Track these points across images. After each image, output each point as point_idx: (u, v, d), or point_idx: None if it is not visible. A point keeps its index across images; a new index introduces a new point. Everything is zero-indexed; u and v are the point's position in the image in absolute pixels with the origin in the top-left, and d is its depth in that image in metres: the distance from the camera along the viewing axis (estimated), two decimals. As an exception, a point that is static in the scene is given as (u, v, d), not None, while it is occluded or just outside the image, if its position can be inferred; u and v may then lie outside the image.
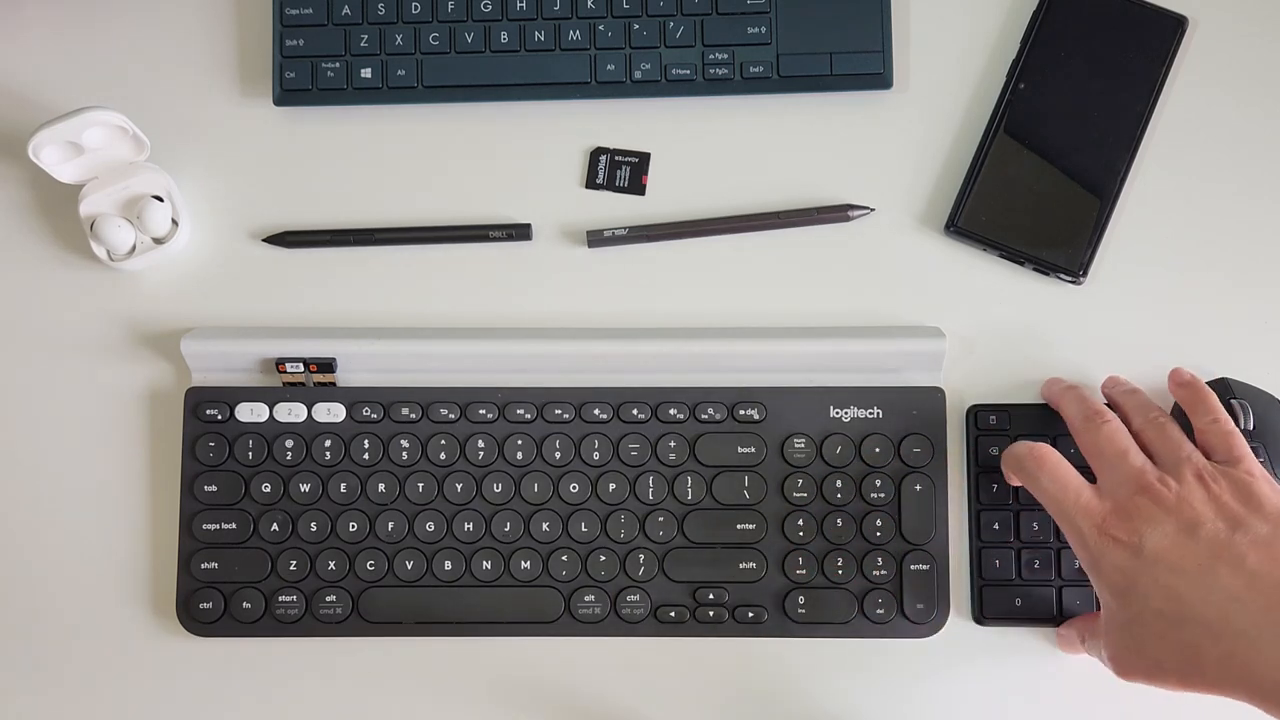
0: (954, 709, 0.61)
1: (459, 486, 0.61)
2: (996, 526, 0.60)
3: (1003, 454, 0.56)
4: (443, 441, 0.62)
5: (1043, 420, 0.60)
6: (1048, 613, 0.59)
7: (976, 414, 0.61)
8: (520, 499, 0.61)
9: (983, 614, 0.60)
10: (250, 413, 0.62)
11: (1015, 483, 0.56)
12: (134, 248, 0.64)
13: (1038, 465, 0.51)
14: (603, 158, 0.65)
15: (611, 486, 0.61)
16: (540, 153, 0.65)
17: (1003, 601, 0.59)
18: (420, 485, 0.61)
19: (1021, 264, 0.63)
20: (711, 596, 0.60)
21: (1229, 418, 0.53)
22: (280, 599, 0.61)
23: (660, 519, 0.61)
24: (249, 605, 0.61)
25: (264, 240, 0.65)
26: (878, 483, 0.60)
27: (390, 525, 0.61)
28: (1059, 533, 0.59)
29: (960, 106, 0.64)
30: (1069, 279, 0.62)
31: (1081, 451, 0.54)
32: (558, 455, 0.61)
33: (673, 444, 0.61)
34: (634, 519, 0.61)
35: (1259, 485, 0.48)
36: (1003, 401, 0.61)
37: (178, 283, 0.65)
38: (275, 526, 0.61)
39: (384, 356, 0.62)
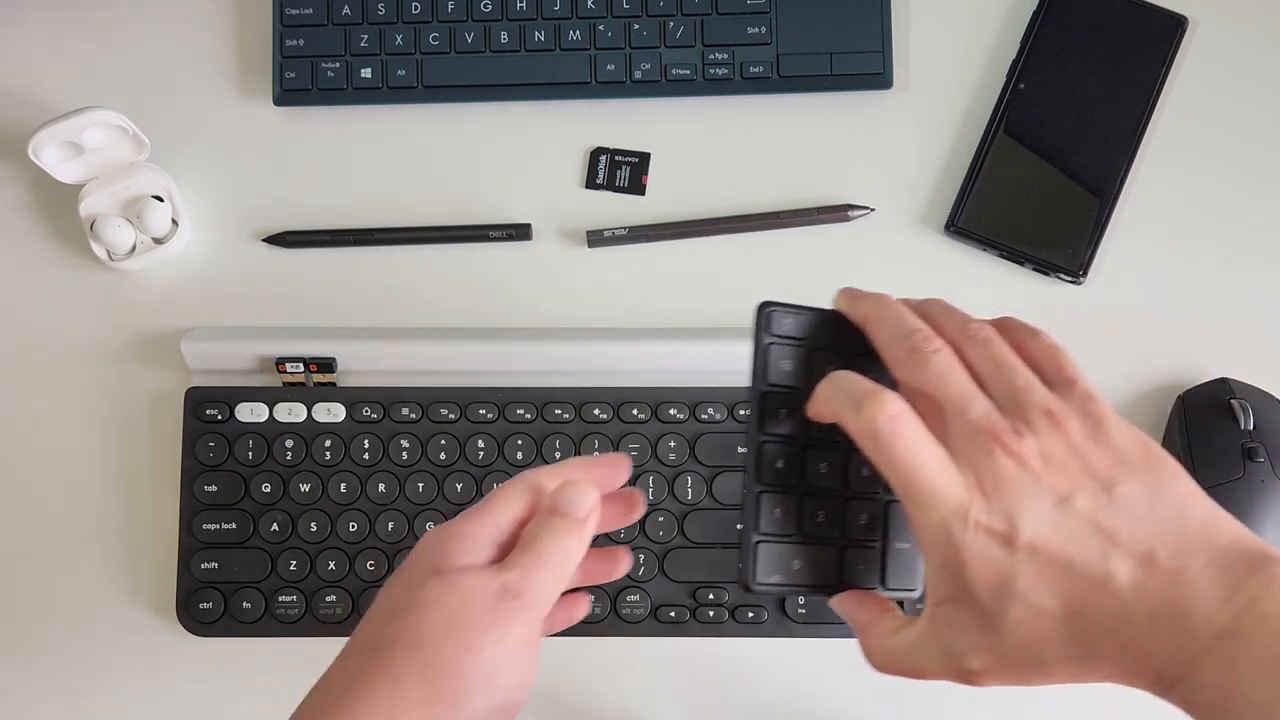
0: (953, 709, 0.61)
1: (459, 486, 0.61)
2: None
3: (826, 384, 0.42)
4: (443, 441, 0.62)
5: None
6: None
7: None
8: (520, 499, 0.61)
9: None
10: (250, 413, 0.62)
11: (826, 420, 0.42)
12: (134, 248, 0.64)
13: (893, 433, 0.39)
14: (603, 158, 0.65)
15: (611, 486, 0.61)
16: (540, 153, 0.65)
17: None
18: (420, 485, 0.61)
19: (1021, 264, 0.63)
20: (711, 596, 0.60)
21: (1040, 328, 0.44)
22: (280, 599, 0.61)
23: (660, 519, 0.61)
24: (249, 605, 0.61)
25: (264, 240, 0.65)
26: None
27: (390, 525, 0.61)
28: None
29: (960, 106, 0.64)
30: (1069, 279, 0.62)
31: (903, 391, 0.41)
32: (558, 455, 0.61)
33: (673, 444, 0.61)
34: (634, 519, 0.61)
35: (1104, 415, 0.40)
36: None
37: (178, 283, 0.65)
38: (275, 526, 0.61)
39: (384, 356, 0.62)
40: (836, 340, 0.44)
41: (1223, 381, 0.60)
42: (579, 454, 0.61)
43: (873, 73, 0.63)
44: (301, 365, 0.62)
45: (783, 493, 0.44)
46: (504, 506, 0.41)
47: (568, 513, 0.41)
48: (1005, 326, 0.43)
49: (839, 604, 0.44)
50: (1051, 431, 0.39)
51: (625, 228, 0.64)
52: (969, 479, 0.39)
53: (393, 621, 0.40)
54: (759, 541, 0.43)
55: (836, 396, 0.41)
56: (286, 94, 0.65)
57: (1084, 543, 0.38)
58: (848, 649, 0.61)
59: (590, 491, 0.41)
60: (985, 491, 0.39)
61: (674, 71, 0.64)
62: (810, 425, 0.43)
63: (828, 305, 0.44)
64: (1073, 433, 0.39)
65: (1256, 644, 0.35)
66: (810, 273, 0.64)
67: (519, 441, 0.61)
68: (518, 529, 0.41)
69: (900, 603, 0.44)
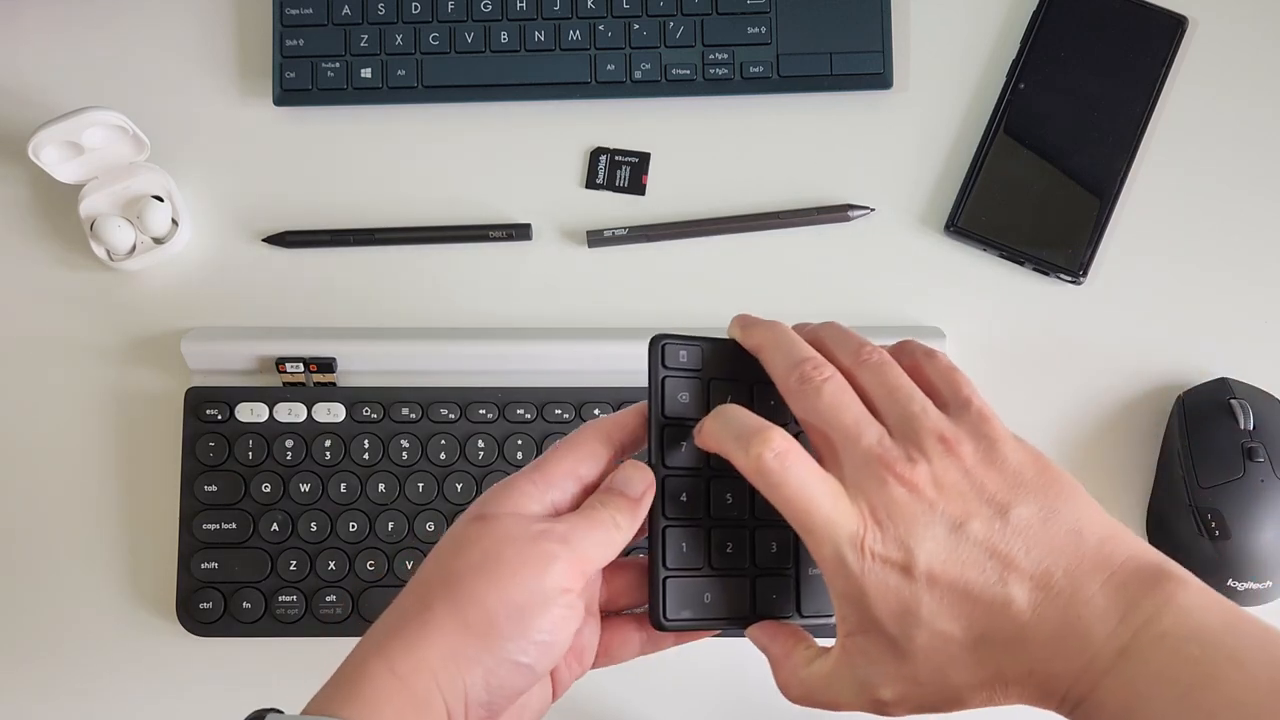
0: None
1: (459, 486, 0.61)
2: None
3: (713, 420, 0.42)
4: (443, 441, 0.62)
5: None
6: None
7: None
8: (520, 499, 0.61)
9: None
10: (250, 413, 0.62)
11: (715, 452, 0.42)
12: (134, 248, 0.64)
13: (783, 470, 0.39)
14: (603, 158, 0.65)
15: (611, 486, 0.61)
16: (540, 153, 0.65)
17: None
18: (420, 485, 0.61)
19: (1021, 264, 0.63)
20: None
21: (936, 350, 0.43)
22: (280, 599, 0.61)
23: (660, 519, 0.61)
24: (249, 605, 0.61)
25: (264, 240, 0.65)
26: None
27: (390, 525, 0.61)
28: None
29: (960, 106, 0.64)
30: (1069, 279, 0.62)
31: (798, 419, 0.42)
32: (558, 455, 0.61)
33: (673, 444, 0.61)
34: (634, 519, 0.61)
35: (998, 436, 0.40)
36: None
37: (178, 283, 0.65)
38: (275, 526, 0.61)
39: (384, 356, 0.62)
40: (734, 370, 0.44)
41: (1223, 381, 0.60)
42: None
43: (873, 73, 0.63)
44: (301, 365, 0.62)
45: (689, 526, 0.43)
46: (559, 462, 0.41)
47: (622, 491, 0.41)
48: (902, 350, 0.43)
49: (752, 636, 0.44)
50: (945, 457, 0.39)
51: (625, 228, 0.64)
52: (862, 509, 0.39)
53: (434, 564, 0.40)
54: (667, 578, 0.42)
55: (724, 434, 0.41)
56: (286, 94, 0.65)
57: (981, 568, 0.38)
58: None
59: (646, 473, 0.42)
60: (879, 521, 0.39)
61: (674, 71, 0.64)
62: (712, 456, 0.43)
63: (723, 335, 0.44)
64: (966, 457, 0.39)
65: (1154, 662, 0.35)
66: (810, 273, 0.64)
67: (519, 441, 0.61)
68: (576, 485, 0.41)
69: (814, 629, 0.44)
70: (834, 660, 0.40)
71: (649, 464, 0.42)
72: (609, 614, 0.43)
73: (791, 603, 0.44)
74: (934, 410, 0.40)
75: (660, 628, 0.42)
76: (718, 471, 0.43)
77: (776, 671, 0.42)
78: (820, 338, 0.43)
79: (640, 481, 0.41)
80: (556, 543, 0.39)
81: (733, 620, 0.43)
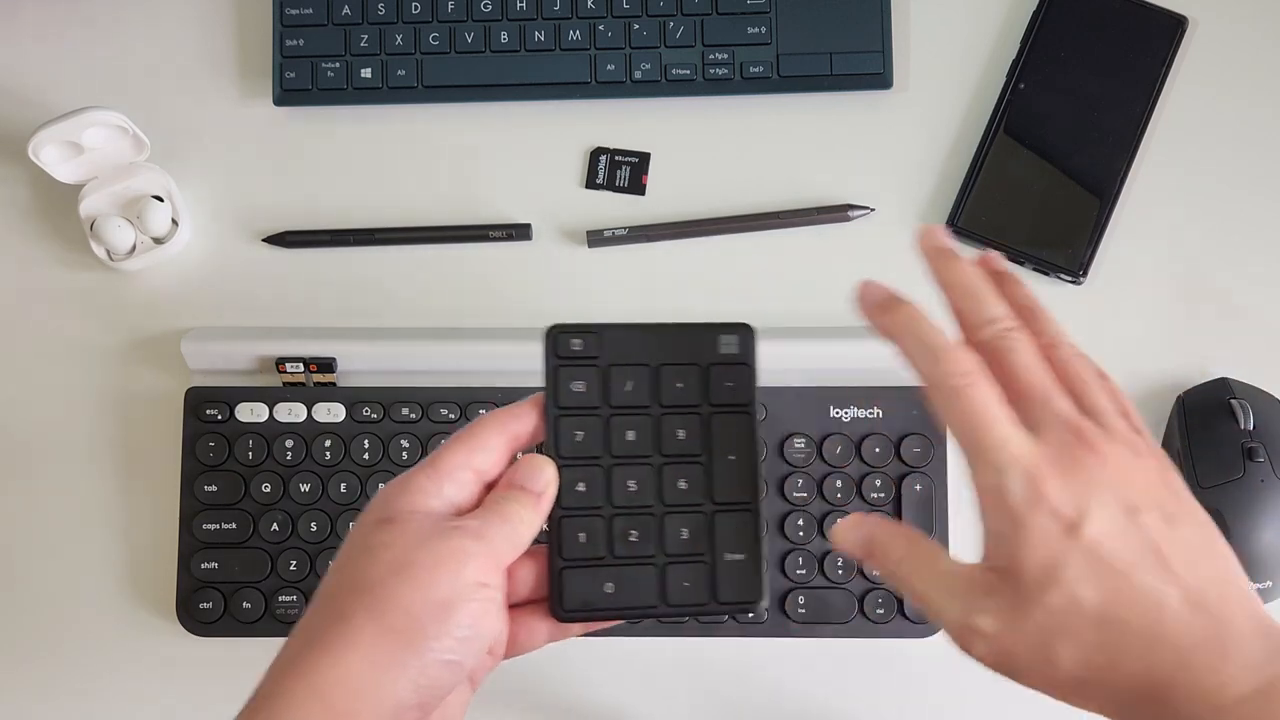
0: (954, 709, 0.61)
1: (459, 486, 0.61)
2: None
3: (901, 321, 0.41)
4: (443, 441, 0.61)
5: None
6: None
7: None
8: (520, 499, 0.61)
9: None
10: (250, 413, 0.62)
11: (889, 339, 0.41)
12: (134, 248, 0.64)
13: (968, 385, 0.38)
14: (603, 158, 0.65)
15: (611, 486, 0.61)
16: (540, 153, 0.65)
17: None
18: (420, 485, 0.61)
19: (1021, 264, 0.63)
20: (711, 596, 0.60)
21: (1106, 373, 0.42)
22: (280, 599, 0.61)
23: (660, 519, 0.61)
24: (249, 605, 0.61)
25: (264, 240, 0.65)
26: (877, 482, 0.60)
27: (390, 525, 0.61)
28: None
29: (960, 106, 0.64)
30: (1069, 279, 0.62)
31: (943, 420, 0.40)
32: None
33: (673, 444, 0.61)
34: (634, 519, 0.61)
35: (1171, 467, 0.40)
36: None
37: (178, 283, 0.65)
38: (275, 526, 0.61)
39: (384, 356, 0.62)
40: (640, 353, 0.44)
41: (1223, 381, 0.60)
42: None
43: (873, 73, 0.63)
44: (301, 365, 0.62)
45: (587, 516, 0.43)
46: (452, 455, 0.41)
47: (524, 485, 0.41)
48: (1069, 371, 0.40)
49: (851, 534, 0.41)
50: (1125, 450, 0.38)
51: (625, 228, 0.64)
52: (1044, 451, 0.37)
53: (346, 572, 0.39)
54: (564, 568, 0.42)
55: (910, 341, 0.40)
56: (286, 94, 0.65)
57: (1143, 557, 0.37)
58: (848, 649, 0.61)
59: (547, 467, 0.42)
60: (1061, 470, 0.37)
61: (674, 71, 0.64)
62: (613, 444, 0.43)
63: (617, 319, 0.45)
64: (1149, 470, 0.39)
65: None
66: (810, 273, 0.64)
67: (519, 441, 0.61)
68: (473, 476, 0.41)
69: (734, 616, 0.44)
70: (962, 570, 0.39)
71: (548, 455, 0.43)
72: (513, 605, 0.43)
73: (706, 589, 0.43)
74: (1114, 414, 0.39)
75: (560, 619, 0.42)
76: (620, 459, 0.43)
77: (909, 562, 0.40)
78: (957, 304, 0.42)
79: (542, 475, 0.41)
80: (470, 539, 0.39)
81: (639, 609, 0.43)
